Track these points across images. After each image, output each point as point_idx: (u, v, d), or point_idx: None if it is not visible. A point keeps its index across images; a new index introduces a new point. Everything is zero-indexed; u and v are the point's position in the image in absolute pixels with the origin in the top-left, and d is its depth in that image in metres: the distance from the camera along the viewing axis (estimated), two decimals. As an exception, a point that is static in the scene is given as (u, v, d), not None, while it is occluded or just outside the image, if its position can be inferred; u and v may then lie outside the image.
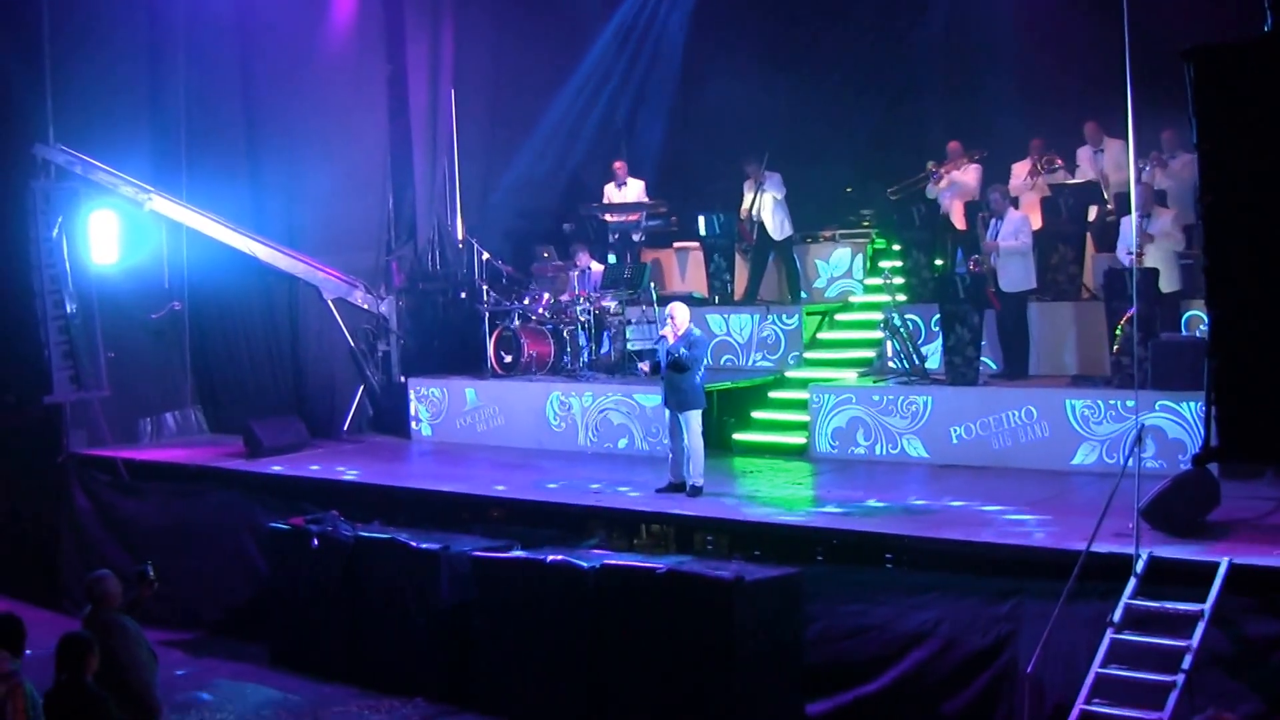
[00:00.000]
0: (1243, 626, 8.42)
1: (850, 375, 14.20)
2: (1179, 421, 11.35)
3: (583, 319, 15.29)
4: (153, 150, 15.61)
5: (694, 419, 11.67)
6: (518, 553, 10.97)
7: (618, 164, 17.43)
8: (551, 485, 12.60)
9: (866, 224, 16.65)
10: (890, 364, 13.91)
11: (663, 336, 11.82)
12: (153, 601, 8.72)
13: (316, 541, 11.87)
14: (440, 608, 11.04)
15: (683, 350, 11.54)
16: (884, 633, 9.77)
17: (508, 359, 15.31)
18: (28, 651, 7.21)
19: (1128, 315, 11.63)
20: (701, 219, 16.42)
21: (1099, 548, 8.79)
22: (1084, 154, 14.66)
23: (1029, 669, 8.74)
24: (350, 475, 13.65)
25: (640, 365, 12.84)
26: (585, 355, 15.29)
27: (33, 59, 14.69)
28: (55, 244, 14.53)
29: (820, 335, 15.45)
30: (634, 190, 17.21)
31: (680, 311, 11.85)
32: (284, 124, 15.86)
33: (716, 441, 13.14)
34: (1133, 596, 8.61)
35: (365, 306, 16.32)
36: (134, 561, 11.86)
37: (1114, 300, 12.51)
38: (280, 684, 11.75)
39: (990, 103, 15.94)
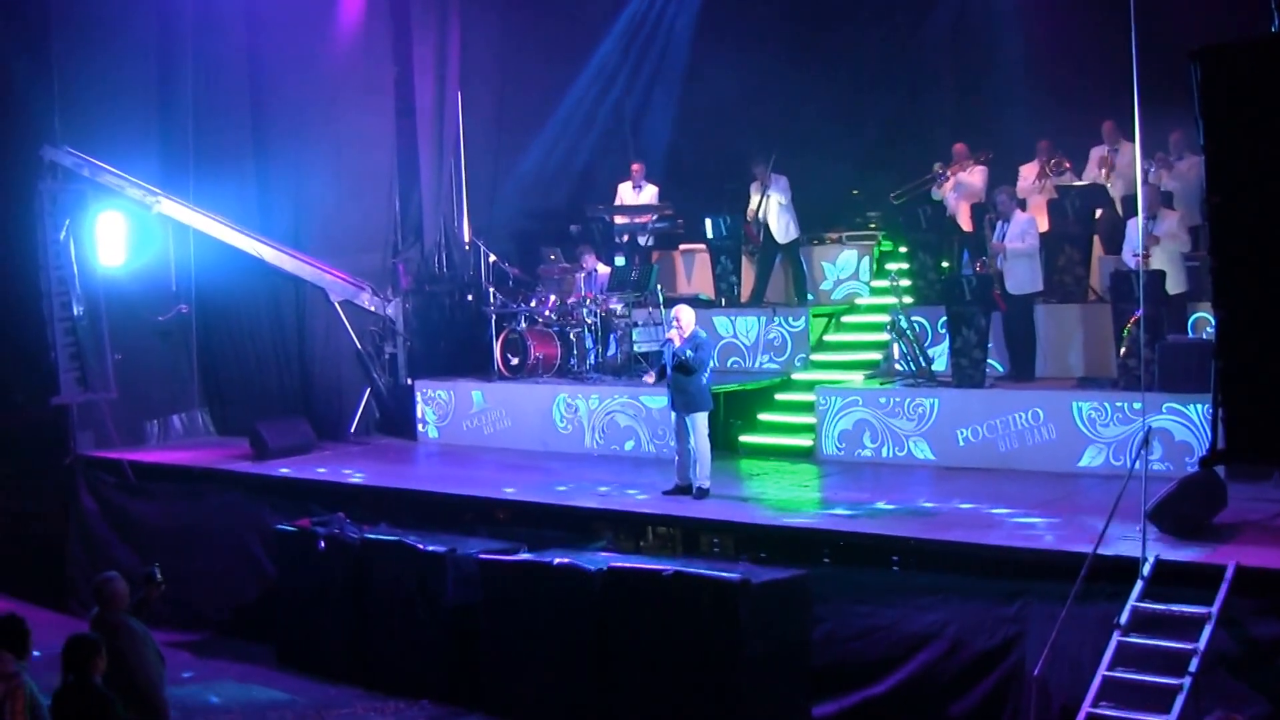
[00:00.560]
0: (1250, 629, 8.40)
1: (857, 377, 14.19)
2: (1186, 424, 11.31)
3: (589, 321, 15.27)
4: (160, 152, 15.68)
5: (700, 421, 11.66)
6: (524, 555, 10.97)
7: (635, 166, 17.36)
8: (558, 487, 12.58)
9: (873, 226, 16.61)
10: (897, 366, 13.87)
11: (668, 339, 11.81)
12: (160, 603, 8.71)
13: (323, 543, 11.90)
14: (446, 609, 11.05)
15: (689, 352, 11.52)
16: (891, 634, 9.75)
17: (514, 361, 15.29)
18: (36, 653, 7.22)
19: (1134, 317, 11.58)
20: (708, 221, 16.39)
21: (1106, 550, 8.78)
22: (1096, 153, 14.56)
23: (1036, 671, 8.72)
24: (357, 477, 13.66)
25: (645, 377, 12.81)
26: (592, 357, 15.26)
27: (40, 62, 14.74)
28: (63, 246, 14.58)
29: (827, 337, 15.43)
30: (648, 194, 17.16)
31: (686, 314, 11.82)
32: (291, 126, 15.88)
33: (723, 443, 13.11)
34: (1140, 599, 8.58)
35: (372, 309, 16.34)
36: (141, 563, 11.83)
37: (1120, 302, 12.50)
38: (287, 685, 11.77)
39: (998, 103, 15.95)
